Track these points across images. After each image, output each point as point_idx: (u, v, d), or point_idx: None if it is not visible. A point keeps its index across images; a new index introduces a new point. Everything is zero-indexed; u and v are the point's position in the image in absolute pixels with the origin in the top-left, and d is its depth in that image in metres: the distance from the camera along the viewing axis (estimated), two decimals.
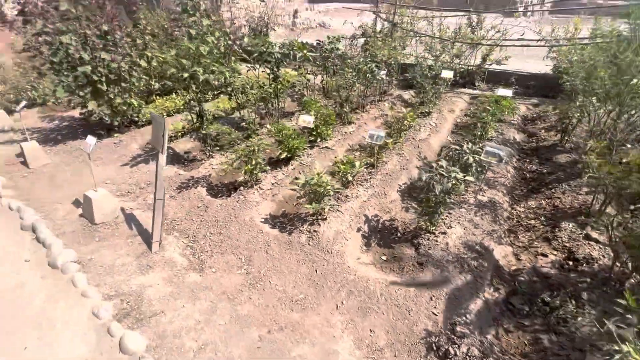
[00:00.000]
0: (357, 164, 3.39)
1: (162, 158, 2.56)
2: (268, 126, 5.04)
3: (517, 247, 2.91)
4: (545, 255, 2.74)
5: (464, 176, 2.58)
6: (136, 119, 5.09)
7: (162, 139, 2.41)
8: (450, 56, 5.54)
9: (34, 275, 2.59)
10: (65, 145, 4.76)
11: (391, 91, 6.56)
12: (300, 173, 3.90)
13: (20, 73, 6.78)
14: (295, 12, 15.53)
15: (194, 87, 3.74)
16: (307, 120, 3.85)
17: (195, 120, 4.00)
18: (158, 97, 6.08)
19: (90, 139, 2.91)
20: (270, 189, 3.57)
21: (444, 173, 2.55)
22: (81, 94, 4.33)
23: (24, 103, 4.14)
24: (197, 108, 3.77)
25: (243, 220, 3.14)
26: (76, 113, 5.87)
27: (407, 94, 6.56)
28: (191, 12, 5.71)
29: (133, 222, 3.24)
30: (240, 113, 4.51)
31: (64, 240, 2.91)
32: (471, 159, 2.93)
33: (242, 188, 3.55)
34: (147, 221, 3.26)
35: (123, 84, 4.57)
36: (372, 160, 3.86)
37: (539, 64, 7.70)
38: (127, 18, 5.84)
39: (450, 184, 2.49)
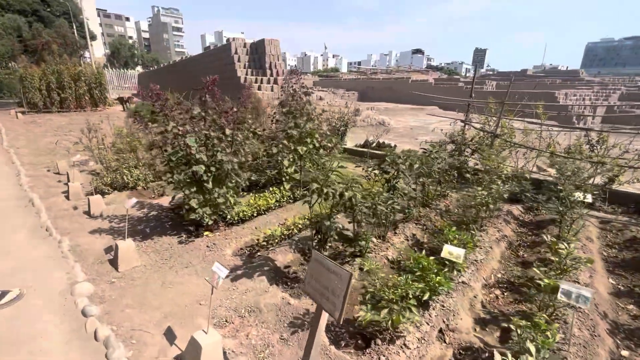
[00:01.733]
0: (549, 334, 2.43)
1: (323, 322, 1.85)
2: (374, 239, 4.38)
3: None
4: None
5: None
6: (227, 215, 4.70)
7: (342, 301, 1.73)
8: (579, 176, 4.86)
9: None
10: (154, 242, 4.35)
11: (497, 205, 5.84)
12: (445, 322, 3.00)
13: (119, 154, 7.08)
14: (357, 110, 16.57)
15: (324, 202, 3.25)
16: (455, 253, 3.11)
17: (313, 236, 3.42)
18: (248, 193, 5.84)
19: (221, 270, 2.32)
20: (417, 347, 2.66)
21: None
22: (187, 192, 4.06)
23: (134, 201, 3.88)
24: (326, 224, 3.20)
25: None
26: (164, 201, 5.70)
27: (515, 209, 5.79)
28: (296, 115, 5.80)
29: None
30: (355, 228, 3.92)
31: None
32: None
33: (379, 341, 2.68)
34: None
35: (229, 184, 4.30)
36: (542, 315, 2.89)
37: None
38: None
39: None
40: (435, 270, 3.11)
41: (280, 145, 5.47)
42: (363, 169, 4.62)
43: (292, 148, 5.66)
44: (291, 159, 5.75)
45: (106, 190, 5.97)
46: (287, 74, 6.65)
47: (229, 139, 4.02)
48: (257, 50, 15.55)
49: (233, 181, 4.27)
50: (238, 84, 14.64)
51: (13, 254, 3.91)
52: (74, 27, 38.67)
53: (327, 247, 3.28)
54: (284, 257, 4.02)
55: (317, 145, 5.73)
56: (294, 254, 4.12)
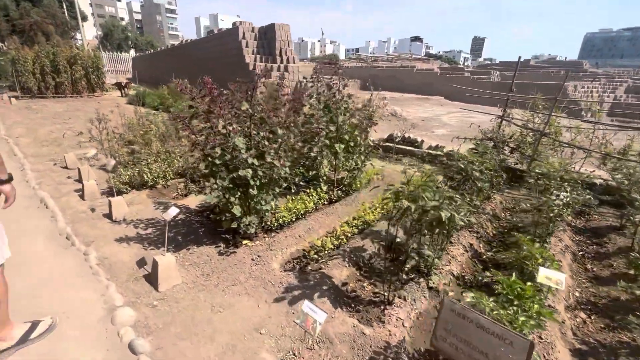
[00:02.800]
0: None
1: None
2: (429, 253, 3.98)
3: None
4: None
5: None
6: (265, 221, 4.26)
7: None
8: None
9: None
10: (190, 253, 3.90)
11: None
12: (545, 358, 2.64)
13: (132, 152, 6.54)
14: (370, 101, 16.03)
15: (412, 222, 2.82)
16: (554, 278, 2.72)
17: (385, 255, 3.00)
18: (283, 196, 5.38)
19: (316, 312, 1.90)
20: None
21: None
22: (232, 199, 3.59)
23: (175, 211, 3.40)
24: (412, 245, 2.77)
25: None
26: (190, 203, 5.23)
27: (566, 214, 5.44)
28: (332, 109, 5.32)
29: None
30: (416, 246, 3.51)
31: None
32: None
33: None
34: None
35: (276, 189, 3.84)
36: None
37: None
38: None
39: None
40: (529, 297, 2.73)
41: (320, 144, 4.99)
42: (415, 171, 4.20)
43: (328, 145, 5.21)
44: (329, 158, 5.29)
45: (124, 190, 5.46)
46: (319, 64, 6.12)
47: (279, 139, 3.54)
48: (266, 36, 14.76)
49: (280, 186, 3.81)
50: (246, 70, 13.93)
51: (34, 269, 3.44)
52: (64, 6, 36.77)
53: (405, 269, 2.87)
54: (339, 272, 3.61)
55: (358, 142, 5.27)
56: (348, 268, 3.71)
